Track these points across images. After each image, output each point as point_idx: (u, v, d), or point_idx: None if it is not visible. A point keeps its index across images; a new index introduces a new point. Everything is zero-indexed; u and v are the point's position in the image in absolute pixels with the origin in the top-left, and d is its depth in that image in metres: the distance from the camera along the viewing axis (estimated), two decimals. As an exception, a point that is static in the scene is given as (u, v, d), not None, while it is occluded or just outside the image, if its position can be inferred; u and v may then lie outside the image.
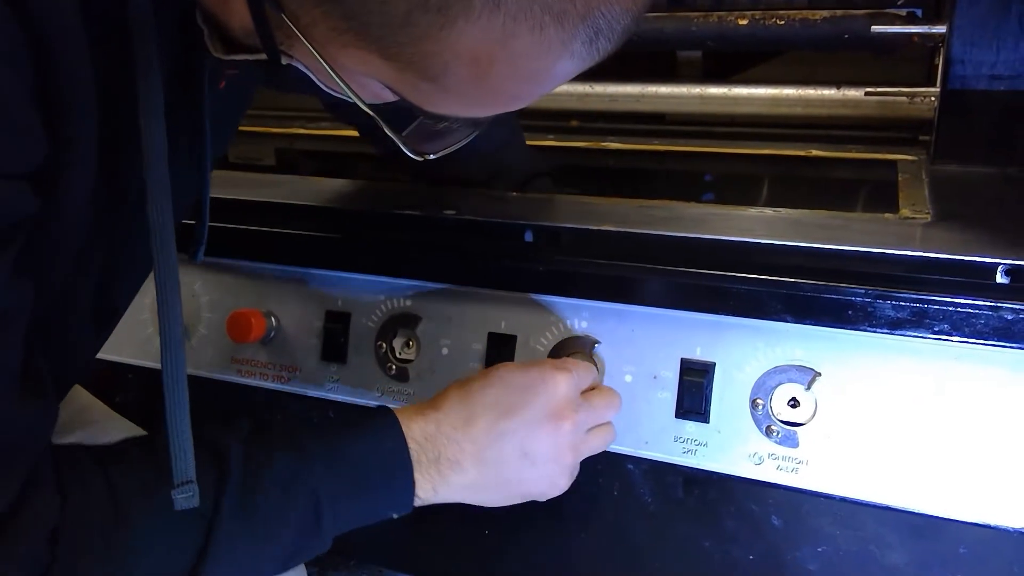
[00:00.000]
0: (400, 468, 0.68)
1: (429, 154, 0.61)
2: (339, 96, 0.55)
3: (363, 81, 0.53)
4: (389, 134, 0.57)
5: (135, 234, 0.62)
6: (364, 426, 0.69)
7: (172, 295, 0.58)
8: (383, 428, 0.69)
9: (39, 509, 0.55)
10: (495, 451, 0.70)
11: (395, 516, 0.69)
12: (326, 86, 0.55)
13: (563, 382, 0.72)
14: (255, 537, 0.62)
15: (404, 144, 0.58)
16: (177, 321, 0.58)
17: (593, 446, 0.75)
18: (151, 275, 0.67)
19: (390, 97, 0.54)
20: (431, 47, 0.47)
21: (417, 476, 0.68)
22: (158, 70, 0.55)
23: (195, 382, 0.93)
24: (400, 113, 0.56)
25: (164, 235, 0.57)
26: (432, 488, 0.69)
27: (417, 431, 0.69)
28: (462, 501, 0.72)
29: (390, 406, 0.72)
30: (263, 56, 0.54)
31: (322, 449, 0.66)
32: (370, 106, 0.54)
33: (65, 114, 0.52)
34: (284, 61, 0.54)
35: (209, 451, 0.62)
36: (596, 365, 0.78)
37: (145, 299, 0.95)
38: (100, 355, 0.75)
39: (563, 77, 0.51)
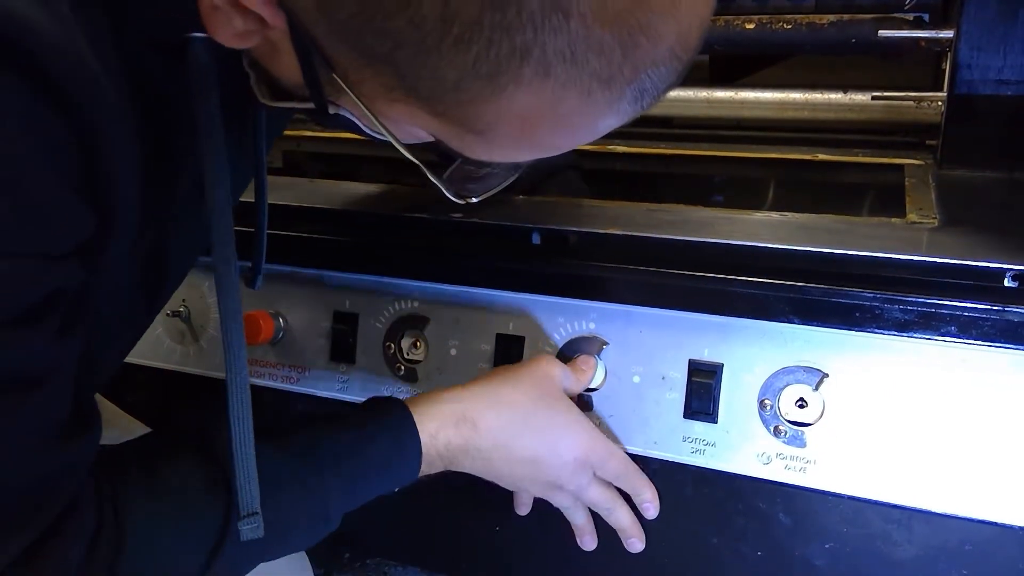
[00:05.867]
0: (412, 460, 0.70)
1: (471, 197, 0.62)
2: (381, 139, 0.55)
3: (407, 128, 0.53)
4: (431, 179, 0.58)
5: (184, 237, 0.64)
6: (383, 432, 0.70)
7: (238, 345, 0.59)
8: (402, 438, 0.71)
9: (74, 530, 0.55)
10: (508, 470, 0.75)
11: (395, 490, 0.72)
12: (370, 130, 0.56)
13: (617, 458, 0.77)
14: (267, 541, 0.63)
15: (446, 187, 0.59)
16: (243, 367, 0.59)
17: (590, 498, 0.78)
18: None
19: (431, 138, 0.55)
20: (480, 108, 0.47)
21: (424, 467, 0.72)
22: (221, 128, 0.56)
23: (204, 383, 0.95)
24: (441, 155, 0.56)
25: (230, 310, 0.59)
26: (429, 469, 0.72)
27: (442, 444, 0.72)
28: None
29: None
30: (311, 105, 0.54)
31: (336, 459, 0.67)
32: (412, 150, 0.55)
33: (110, 190, 0.51)
34: (332, 111, 0.55)
35: (218, 465, 0.62)
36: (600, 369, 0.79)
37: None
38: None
39: (605, 130, 0.51)
